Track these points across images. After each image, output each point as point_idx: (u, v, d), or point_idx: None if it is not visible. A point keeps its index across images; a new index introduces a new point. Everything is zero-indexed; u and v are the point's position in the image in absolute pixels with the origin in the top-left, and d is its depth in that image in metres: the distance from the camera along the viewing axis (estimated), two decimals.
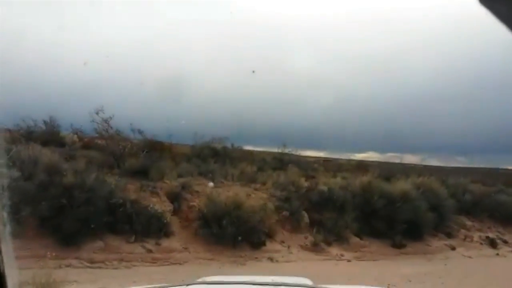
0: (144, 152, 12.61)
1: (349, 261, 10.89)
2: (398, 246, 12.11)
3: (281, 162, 18.15)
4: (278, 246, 10.68)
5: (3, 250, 0.92)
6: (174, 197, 11.06)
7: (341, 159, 26.69)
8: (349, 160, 25.67)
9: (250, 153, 18.98)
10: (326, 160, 24.77)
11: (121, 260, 9.20)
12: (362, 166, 20.89)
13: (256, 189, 12.96)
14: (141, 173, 11.63)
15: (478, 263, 11.65)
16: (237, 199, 10.76)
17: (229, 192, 11.62)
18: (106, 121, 12.87)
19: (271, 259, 10.09)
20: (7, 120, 12.72)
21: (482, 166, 27.06)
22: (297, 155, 19.35)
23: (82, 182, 9.58)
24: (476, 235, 14.31)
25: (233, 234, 10.04)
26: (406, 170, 19.47)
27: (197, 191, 11.69)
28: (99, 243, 9.43)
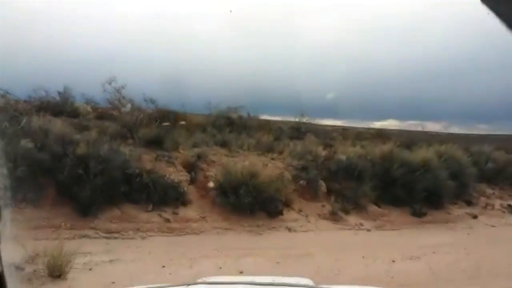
0: (158, 122, 12.42)
1: (368, 230, 10.69)
2: (419, 214, 11.85)
3: (298, 131, 17.88)
4: (295, 215, 10.53)
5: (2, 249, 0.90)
6: (190, 167, 10.93)
7: (360, 127, 26.15)
8: (368, 129, 25.17)
9: (267, 122, 18.71)
10: (344, 129, 24.32)
11: (138, 230, 9.15)
12: (381, 135, 20.47)
13: (273, 159, 12.75)
14: (155, 143, 11.49)
15: (502, 232, 11.33)
16: (253, 169, 10.57)
17: (245, 161, 11.44)
18: (118, 90, 12.70)
19: (288, 229, 9.95)
20: (21, 91, 12.70)
21: (505, 133, 26.27)
22: (314, 124, 19.02)
23: (96, 152, 9.49)
24: (497, 203, 13.97)
25: (250, 203, 9.90)
26: (428, 138, 19.06)
27: (213, 161, 11.53)
28: (116, 212, 9.39)
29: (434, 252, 9.08)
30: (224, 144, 13.11)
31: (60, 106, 13.50)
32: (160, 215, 9.58)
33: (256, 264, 7.75)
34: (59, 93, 14.19)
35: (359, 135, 21.05)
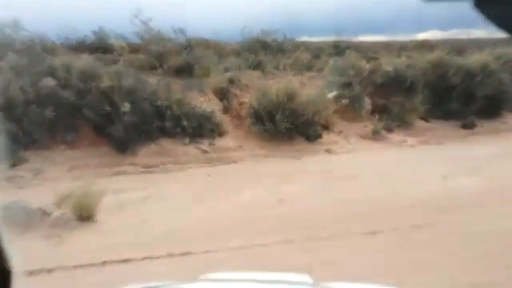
0: (187, 49, 11.82)
1: (412, 146, 10.00)
2: (469, 126, 10.93)
3: (337, 48, 16.69)
4: (335, 137, 9.99)
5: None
6: (223, 94, 10.44)
7: (402, 41, 24.26)
8: (411, 41, 23.33)
9: (304, 43, 17.58)
10: (386, 43, 22.70)
11: (176, 163, 9.01)
12: (426, 46, 18.94)
13: (311, 77, 11.99)
14: (185, 72, 11.00)
15: None
16: (290, 90, 9.94)
17: (280, 84, 10.78)
18: (145, 23, 12.09)
19: (328, 151, 9.47)
20: (56, 33, 12.48)
21: None
22: (354, 42, 17.68)
23: (120, 84, 9.11)
24: None
25: (288, 129, 9.41)
26: (476, 45, 17.38)
27: (246, 86, 10.96)
28: (153, 148, 9.25)
29: (489, 164, 8.36)
30: (257, 67, 12.42)
31: (96, 45, 13.20)
32: (197, 147, 9.35)
33: (297, 191, 7.41)
34: (94, 32, 13.81)
35: (403, 48, 19.63)
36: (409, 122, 10.56)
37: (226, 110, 10.13)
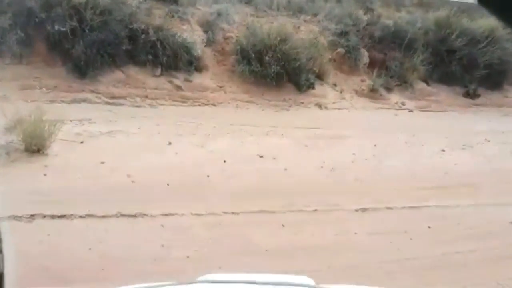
0: None
1: (410, 111, 9.18)
2: (472, 96, 10.13)
3: None
4: (328, 90, 8.99)
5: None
6: (208, 26, 9.14)
7: None
8: None
9: None
10: None
11: (145, 97, 7.88)
12: (423, 4, 17.79)
13: (306, 21, 10.74)
14: None
15: None
16: (283, 31, 8.77)
17: (273, 23, 9.54)
18: None
19: (319, 105, 8.52)
20: None
21: None
22: None
23: (95, 2, 7.82)
24: None
25: (277, 73, 8.32)
26: (478, 8, 16.36)
27: (235, 20, 9.65)
28: (119, 75, 8.03)
29: (489, 141, 7.68)
30: (249, 2, 11.06)
31: None
32: (171, 82, 8.20)
33: (280, 145, 6.54)
34: None
35: (399, 3, 18.51)
36: (409, 82, 9.63)
37: (209, 44, 8.88)
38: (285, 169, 5.63)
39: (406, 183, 5.78)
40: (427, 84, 10.00)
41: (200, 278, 1.61)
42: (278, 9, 11.19)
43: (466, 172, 6.16)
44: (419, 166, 6.25)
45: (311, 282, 1.63)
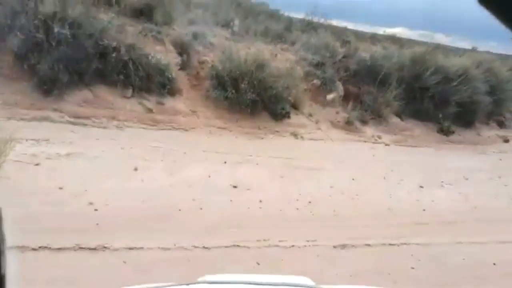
0: None
1: (387, 145, 9.10)
2: (446, 132, 10.19)
3: (310, 25, 15.46)
4: (304, 120, 8.81)
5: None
6: (183, 48, 8.87)
7: (373, 32, 23.52)
8: (384, 33, 22.68)
9: (277, 12, 16.32)
10: (355, 31, 21.88)
11: (113, 118, 7.44)
12: (397, 40, 18.28)
13: (283, 49, 10.67)
14: (144, 15, 9.26)
15: None
16: (260, 57, 8.60)
17: (250, 49, 9.37)
18: None
19: (294, 135, 8.31)
20: None
21: None
22: (326, 23, 16.54)
23: (64, 14, 7.41)
24: None
25: (252, 100, 8.09)
26: (443, 49, 16.91)
27: (211, 44, 9.45)
28: (87, 94, 7.59)
29: (467, 179, 7.61)
30: (226, 25, 10.92)
31: None
32: (142, 104, 7.82)
33: (255, 175, 6.23)
34: None
35: (374, 38, 18.97)
36: (383, 117, 9.59)
37: (184, 67, 8.59)
38: (260, 201, 5.30)
39: (384, 219, 5.56)
40: (401, 119, 10.00)
41: (200, 279, 1.62)
42: (255, 35, 11.10)
43: (445, 209, 6.01)
44: (397, 202, 6.06)
45: (310, 282, 1.65)
